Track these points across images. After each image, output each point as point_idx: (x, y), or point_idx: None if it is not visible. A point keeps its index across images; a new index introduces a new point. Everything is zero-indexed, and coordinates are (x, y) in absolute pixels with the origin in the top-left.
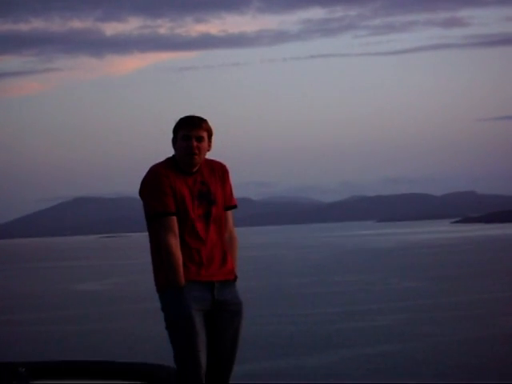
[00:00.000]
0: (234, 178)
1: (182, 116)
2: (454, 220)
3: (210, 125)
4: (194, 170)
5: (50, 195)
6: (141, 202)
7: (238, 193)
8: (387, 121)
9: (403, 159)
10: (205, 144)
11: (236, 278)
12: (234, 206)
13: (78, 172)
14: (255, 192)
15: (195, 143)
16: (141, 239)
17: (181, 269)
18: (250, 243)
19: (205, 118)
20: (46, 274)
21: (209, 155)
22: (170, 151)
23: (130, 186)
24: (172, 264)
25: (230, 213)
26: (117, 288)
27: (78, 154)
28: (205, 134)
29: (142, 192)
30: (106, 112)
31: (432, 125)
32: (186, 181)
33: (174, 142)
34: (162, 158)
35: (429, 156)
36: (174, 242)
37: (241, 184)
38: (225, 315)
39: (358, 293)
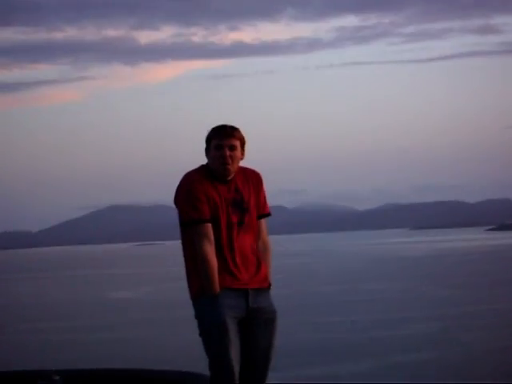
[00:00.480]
0: (267, 186)
1: (214, 125)
2: (488, 227)
3: (242, 133)
4: (229, 178)
5: (85, 203)
6: (175, 210)
7: (271, 200)
8: (420, 128)
9: (436, 167)
10: (238, 153)
11: (270, 285)
12: (268, 214)
13: (112, 180)
14: (289, 200)
15: (228, 152)
16: (174, 247)
17: (216, 276)
18: (284, 251)
19: (238, 126)
20: (80, 281)
21: (244, 163)
22: (205, 159)
23: (164, 194)
24: (207, 271)
25: (263, 221)
26: (150, 296)
27: (113, 162)
28: (237, 143)
29: (176, 199)
30: (139, 120)
31: (465, 132)
32: (220, 189)
33: (207, 151)
34: (196, 167)
35: (462, 163)
36: (210, 250)
37: (274, 192)
38: (259, 323)
39: (391, 301)
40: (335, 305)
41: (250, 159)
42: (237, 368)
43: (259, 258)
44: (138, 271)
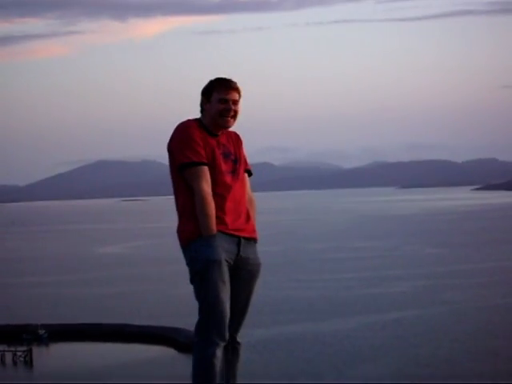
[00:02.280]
0: (254, 143)
1: (202, 81)
2: (475, 187)
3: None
4: (219, 133)
5: (73, 158)
6: (163, 166)
7: (258, 157)
8: (409, 87)
9: (425, 125)
10: (238, 107)
11: (256, 238)
12: (250, 172)
13: (100, 135)
14: (276, 157)
15: (232, 107)
16: (161, 203)
17: (214, 217)
18: (270, 208)
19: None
20: (69, 236)
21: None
22: (193, 115)
23: (151, 150)
24: (207, 211)
25: (247, 176)
26: (138, 251)
27: (100, 116)
28: (238, 98)
29: (172, 143)
30: (127, 76)
31: (454, 91)
32: (213, 140)
33: (206, 102)
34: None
35: (450, 122)
36: (209, 191)
37: (262, 149)
38: (244, 274)
39: (378, 259)
40: (322, 262)
41: (239, 116)
42: (228, 308)
43: (248, 209)
44: (126, 227)
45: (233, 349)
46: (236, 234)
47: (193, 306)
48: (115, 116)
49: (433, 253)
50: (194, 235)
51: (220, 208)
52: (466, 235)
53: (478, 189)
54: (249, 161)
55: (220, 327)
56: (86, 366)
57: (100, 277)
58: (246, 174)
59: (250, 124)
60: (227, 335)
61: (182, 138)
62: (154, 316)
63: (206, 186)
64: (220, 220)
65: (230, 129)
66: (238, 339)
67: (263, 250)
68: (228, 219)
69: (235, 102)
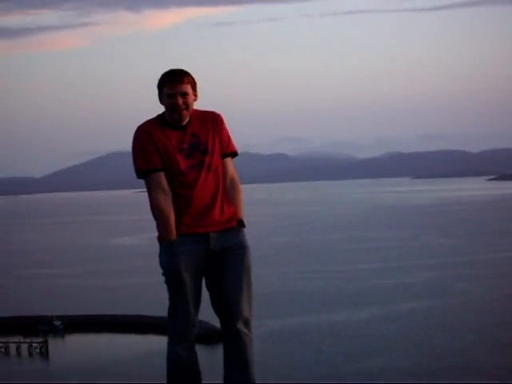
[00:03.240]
0: (269, 134)
1: (215, 72)
2: (490, 177)
3: (192, 76)
4: (184, 123)
5: (87, 149)
6: None
7: (273, 148)
8: (424, 77)
9: (440, 116)
10: (190, 98)
11: (240, 223)
12: (234, 153)
13: (114, 126)
14: (291, 147)
15: (180, 100)
16: None
17: (171, 224)
18: (285, 199)
19: (240, 73)
20: (84, 228)
21: (248, 116)
22: (205, 105)
23: None
24: (161, 219)
25: (229, 160)
26: (152, 243)
27: (114, 108)
28: (188, 88)
29: (132, 151)
30: (142, 67)
31: (469, 81)
32: (174, 135)
33: (160, 98)
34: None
35: (466, 112)
36: (163, 198)
37: (277, 140)
38: (227, 263)
39: (392, 249)
40: (337, 253)
41: (252, 106)
42: (192, 313)
43: (225, 198)
44: (141, 218)
45: (233, 337)
46: (202, 230)
47: (207, 297)
48: (129, 107)
49: (447, 243)
50: (159, 238)
51: (183, 209)
52: (481, 226)
53: (493, 179)
54: (255, 149)
55: (181, 329)
56: (102, 356)
57: (115, 268)
58: (228, 159)
59: (264, 115)
60: (191, 335)
61: (134, 146)
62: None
63: (160, 194)
64: (183, 223)
65: (209, 110)
66: (240, 327)
67: (278, 241)
68: (191, 219)
69: (184, 95)
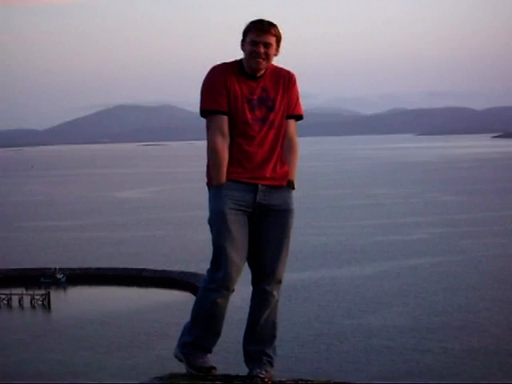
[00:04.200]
0: None
1: (221, 24)
2: (495, 135)
3: (279, 30)
4: (259, 74)
5: (90, 102)
6: (181, 111)
7: None
8: (430, 34)
9: (445, 72)
10: (272, 50)
11: (290, 184)
12: (299, 116)
13: (117, 80)
14: None
15: (263, 49)
16: (180, 148)
17: (223, 168)
18: None
19: (243, 22)
20: (87, 181)
21: None
22: (214, 60)
23: (170, 94)
24: (215, 161)
25: (292, 121)
26: (156, 196)
27: (117, 61)
28: (273, 40)
29: (201, 88)
30: (146, 19)
31: (474, 38)
32: (248, 84)
33: (243, 44)
34: (205, 68)
35: (471, 69)
36: (221, 141)
37: None
38: (269, 221)
39: (395, 206)
40: (340, 209)
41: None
42: (236, 258)
43: (281, 156)
44: (145, 171)
45: (261, 297)
46: (252, 181)
47: (211, 251)
48: (132, 60)
49: (451, 200)
50: (209, 182)
51: (238, 157)
52: (485, 183)
53: (497, 136)
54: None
55: (224, 277)
56: (104, 309)
57: (119, 221)
58: (292, 120)
59: None
60: (232, 284)
61: (204, 84)
62: (172, 261)
63: (218, 136)
64: (235, 169)
65: (285, 68)
66: (269, 289)
67: None
68: (243, 169)
69: (267, 45)
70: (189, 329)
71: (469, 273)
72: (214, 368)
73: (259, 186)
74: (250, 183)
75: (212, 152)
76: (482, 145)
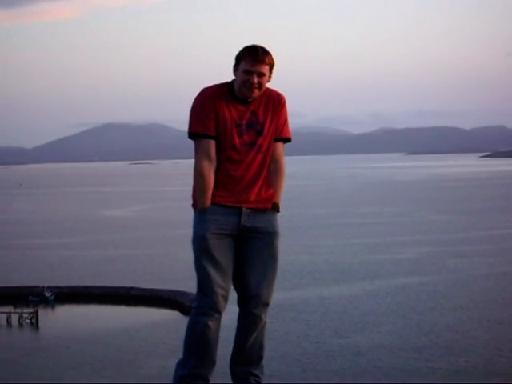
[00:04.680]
0: None
1: (215, 41)
2: (482, 154)
3: (273, 57)
4: (251, 98)
5: (79, 121)
6: (171, 130)
7: None
8: (418, 53)
9: (434, 92)
10: (266, 79)
11: (275, 207)
12: (287, 139)
13: (108, 98)
14: None
15: (256, 79)
16: (169, 166)
17: (208, 192)
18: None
19: (233, 47)
20: (75, 199)
21: None
22: (201, 79)
23: (160, 113)
24: (200, 185)
25: (279, 144)
26: (144, 214)
27: (108, 80)
28: (267, 69)
29: (190, 109)
30: (138, 37)
31: (463, 58)
32: (238, 108)
33: (235, 69)
34: (193, 87)
35: (460, 90)
36: (207, 165)
37: None
38: (255, 242)
39: (384, 225)
40: (328, 228)
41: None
42: (221, 283)
43: (267, 179)
44: (133, 190)
45: (249, 320)
46: (236, 205)
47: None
48: (122, 79)
49: (439, 219)
50: (194, 204)
51: (224, 182)
52: (473, 202)
53: (485, 156)
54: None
55: (211, 299)
56: (92, 328)
57: (107, 240)
58: (280, 143)
59: None
60: (221, 307)
61: (194, 106)
62: (160, 279)
63: (205, 160)
64: (219, 193)
65: (275, 89)
66: (257, 312)
67: None
68: (228, 193)
69: (261, 75)
70: (183, 361)
71: (456, 292)
72: None
73: (243, 209)
74: (235, 206)
75: (198, 176)
76: (469, 164)
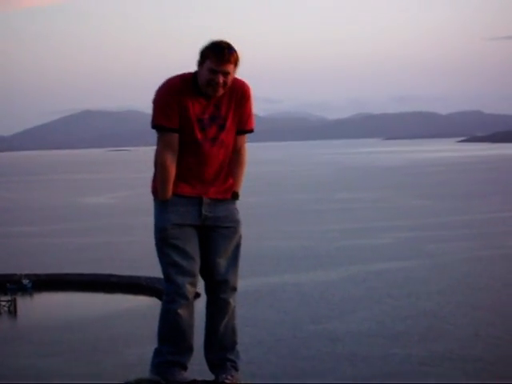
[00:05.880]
0: None
1: (187, 30)
2: (460, 139)
3: (238, 54)
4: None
5: (59, 108)
6: (147, 116)
7: None
8: (394, 38)
9: (410, 77)
10: (230, 77)
11: (235, 196)
12: (249, 131)
13: (85, 85)
14: (261, 108)
15: (222, 79)
16: (146, 153)
17: (169, 184)
18: (255, 159)
19: (215, 31)
20: (54, 186)
21: None
22: (176, 69)
23: (136, 100)
24: (162, 177)
25: (242, 136)
26: (122, 201)
27: (85, 67)
28: (232, 68)
29: (153, 100)
30: (114, 24)
31: (440, 42)
32: (200, 102)
33: (200, 65)
34: (166, 74)
35: (436, 74)
36: (170, 158)
37: None
38: (218, 232)
39: (362, 210)
40: (306, 213)
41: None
42: (188, 270)
43: (227, 170)
44: (111, 177)
45: (219, 306)
46: (196, 195)
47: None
48: (98, 65)
49: (417, 204)
50: (154, 193)
51: (185, 174)
52: (451, 187)
53: (462, 141)
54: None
55: (176, 287)
56: (70, 315)
57: (85, 227)
58: (243, 136)
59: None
60: (188, 293)
61: (158, 99)
62: (138, 266)
63: (168, 152)
64: (180, 184)
65: (241, 79)
66: (225, 297)
67: (247, 201)
68: (188, 185)
69: (226, 75)
70: (158, 349)
71: (434, 277)
72: (196, 381)
73: (204, 199)
74: (195, 197)
75: (160, 167)
76: (447, 149)
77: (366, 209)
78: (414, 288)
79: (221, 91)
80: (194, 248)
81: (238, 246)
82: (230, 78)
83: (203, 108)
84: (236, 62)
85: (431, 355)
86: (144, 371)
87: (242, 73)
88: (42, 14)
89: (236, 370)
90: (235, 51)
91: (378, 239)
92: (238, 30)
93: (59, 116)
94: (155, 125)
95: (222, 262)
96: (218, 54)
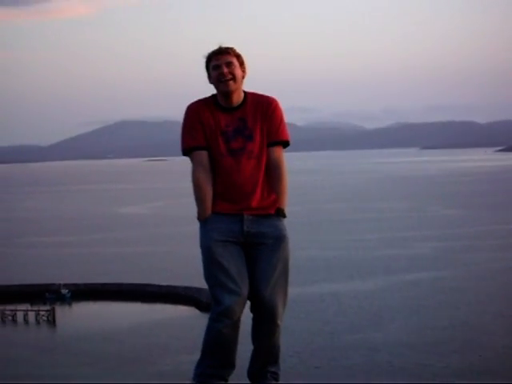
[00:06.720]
0: None
1: (224, 39)
2: (498, 148)
3: (236, 50)
4: (235, 104)
5: (94, 118)
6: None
7: None
8: (433, 47)
9: (448, 86)
10: (237, 70)
11: (280, 212)
12: (283, 141)
13: (121, 95)
14: (299, 117)
15: (226, 69)
16: (183, 162)
17: (207, 202)
18: (293, 169)
19: (250, 44)
20: (92, 196)
21: (257, 81)
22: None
23: (172, 110)
24: (198, 196)
25: (276, 148)
26: (159, 211)
27: (122, 77)
28: (234, 60)
29: (181, 129)
30: (150, 36)
31: (479, 51)
32: (223, 116)
33: (209, 76)
34: (202, 81)
35: (475, 83)
36: (202, 176)
37: (285, 109)
38: (262, 248)
39: (398, 220)
40: (342, 223)
41: (260, 77)
42: (234, 289)
43: (266, 186)
44: (147, 187)
45: (261, 325)
46: (236, 212)
47: None
48: (136, 76)
49: (454, 214)
50: (198, 216)
51: (220, 191)
52: (488, 197)
53: (501, 150)
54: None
55: (225, 308)
56: (108, 325)
57: (123, 237)
58: (277, 147)
59: (273, 84)
60: (234, 313)
61: (183, 124)
62: (176, 276)
63: (200, 172)
64: (218, 202)
65: (266, 95)
66: (270, 318)
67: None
68: (227, 202)
69: (229, 65)
70: (200, 361)
71: (471, 287)
72: None
73: (245, 215)
74: (236, 214)
75: (194, 186)
76: (485, 158)
77: (403, 218)
78: (451, 298)
79: (232, 85)
80: (240, 267)
81: (285, 263)
82: (235, 70)
83: (227, 121)
84: (238, 57)
85: (468, 366)
86: (181, 381)
87: (281, 84)
88: (78, 24)
89: (276, 380)
90: (233, 48)
91: (414, 249)
92: (276, 45)
93: (96, 127)
94: (184, 149)
95: (269, 282)
96: (215, 51)
